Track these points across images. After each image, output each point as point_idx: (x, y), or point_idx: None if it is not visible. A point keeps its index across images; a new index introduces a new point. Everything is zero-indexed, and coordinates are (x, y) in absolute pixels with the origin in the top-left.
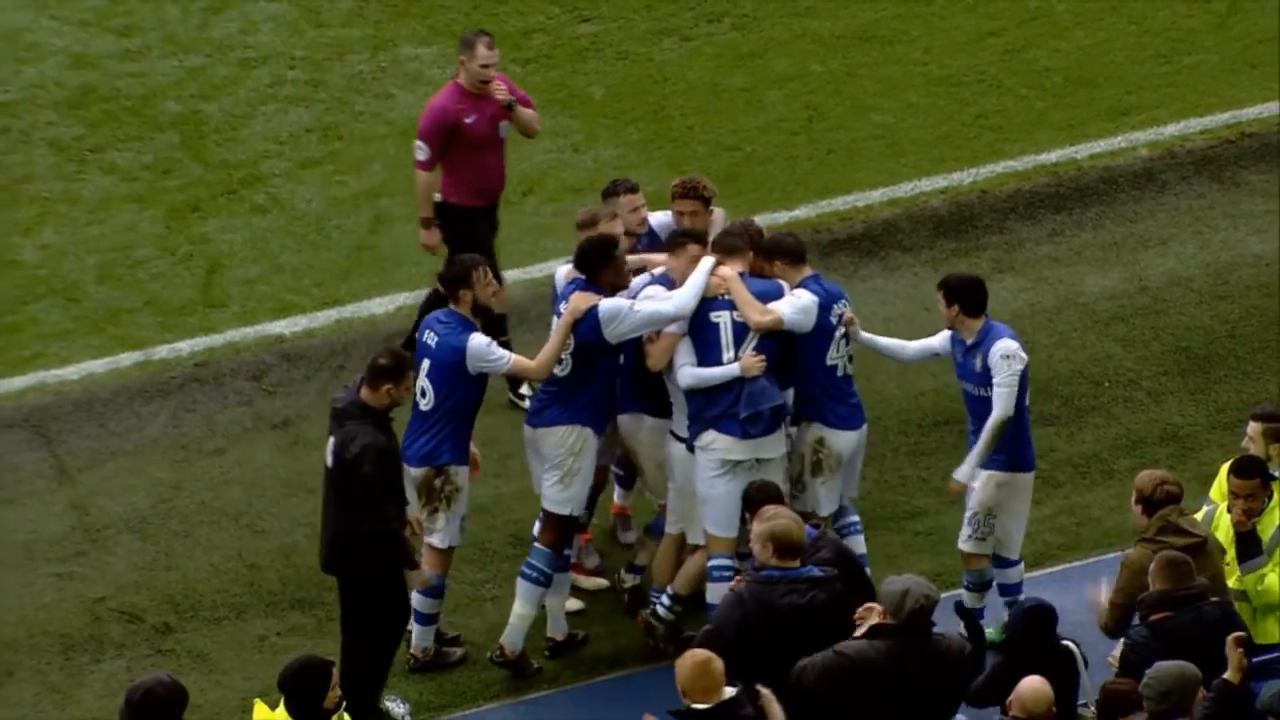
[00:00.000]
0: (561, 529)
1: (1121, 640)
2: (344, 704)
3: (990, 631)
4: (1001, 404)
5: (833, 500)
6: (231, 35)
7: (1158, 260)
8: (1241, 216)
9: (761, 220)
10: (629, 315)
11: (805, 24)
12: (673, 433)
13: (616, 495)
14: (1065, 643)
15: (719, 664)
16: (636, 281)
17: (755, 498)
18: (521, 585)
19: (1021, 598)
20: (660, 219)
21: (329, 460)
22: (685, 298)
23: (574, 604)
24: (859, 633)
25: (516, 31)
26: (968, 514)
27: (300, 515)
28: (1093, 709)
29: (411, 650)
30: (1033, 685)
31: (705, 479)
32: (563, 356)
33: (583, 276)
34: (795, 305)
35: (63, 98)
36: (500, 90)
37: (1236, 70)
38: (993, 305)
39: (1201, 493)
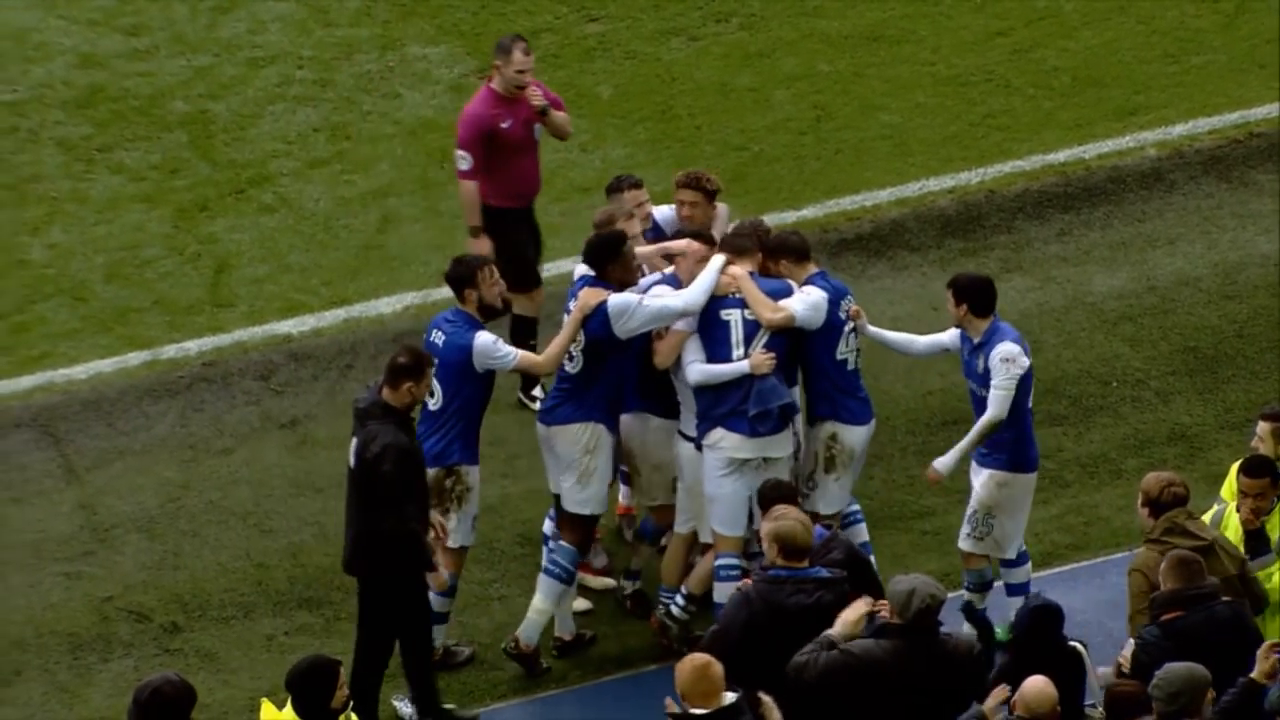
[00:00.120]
0: (584, 528)
1: (1131, 640)
2: (351, 703)
3: (999, 630)
4: (995, 406)
5: (845, 497)
6: (239, 35)
7: (1166, 260)
8: (1249, 216)
9: (769, 220)
10: (638, 310)
11: (813, 24)
12: (681, 432)
13: (622, 495)
14: (1072, 643)
15: (718, 668)
16: (644, 281)
17: (769, 496)
18: (544, 581)
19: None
20: (664, 213)
21: (351, 460)
22: (694, 294)
23: (582, 604)
24: (863, 628)
25: (524, 31)
26: (967, 513)
27: (308, 515)
28: (1101, 710)
29: None
30: (1037, 685)
31: (713, 478)
32: (574, 353)
33: (592, 272)
34: (806, 302)
35: (71, 97)
36: (536, 96)
37: (1244, 70)
38: (1001, 305)
39: (1210, 492)
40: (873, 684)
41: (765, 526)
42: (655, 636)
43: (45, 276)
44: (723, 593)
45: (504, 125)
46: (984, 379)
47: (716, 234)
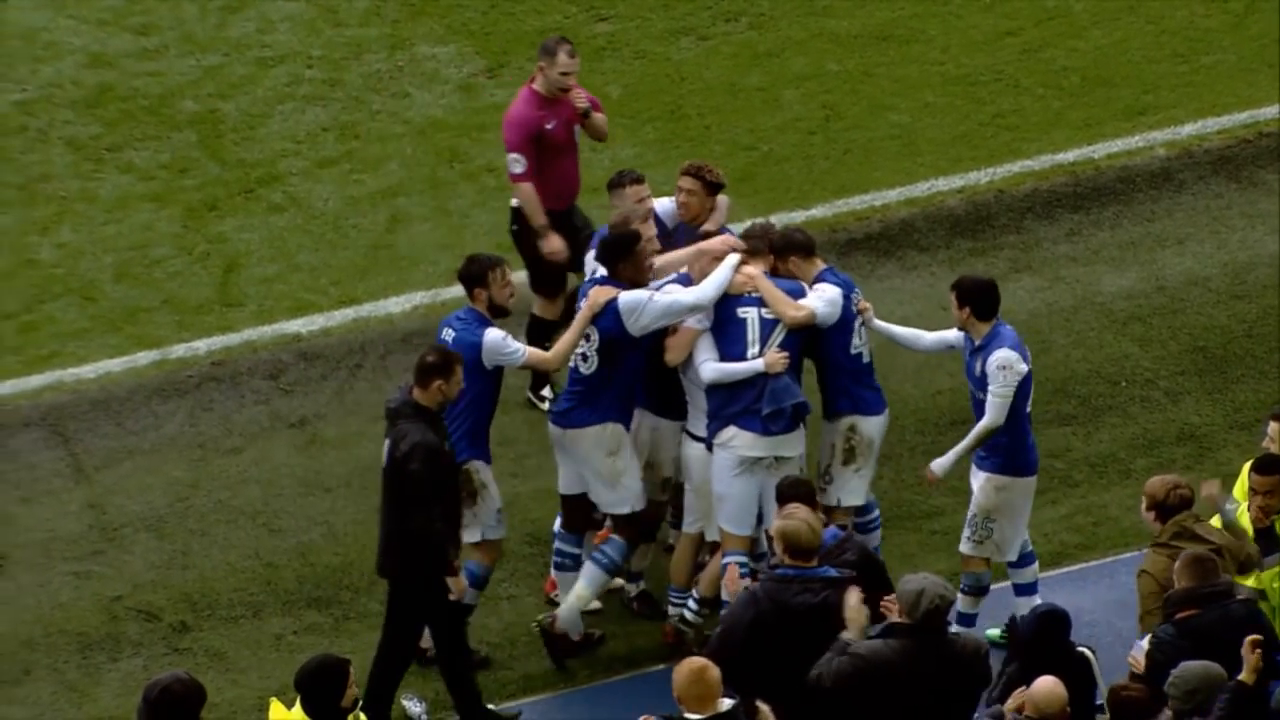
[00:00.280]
0: (630, 524)
1: (1146, 639)
2: (360, 703)
3: (991, 633)
4: (992, 413)
5: (865, 489)
6: (249, 34)
7: (1175, 260)
8: (1259, 216)
9: (778, 219)
10: (649, 306)
11: (822, 23)
12: (689, 432)
13: None
14: (1081, 649)
15: (716, 673)
16: (656, 282)
17: (786, 494)
18: (589, 568)
19: (1037, 597)
20: (664, 205)
21: (384, 460)
22: (705, 290)
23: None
24: (872, 630)
25: (533, 30)
26: (967, 516)
27: (317, 514)
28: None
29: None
30: (1046, 686)
31: (724, 476)
32: (588, 354)
33: (604, 271)
34: (824, 299)
35: (80, 97)
36: (580, 97)
37: (1254, 70)
38: (1010, 305)
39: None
40: (882, 684)
41: (774, 525)
42: (671, 644)
43: (54, 276)
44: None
45: (548, 126)
46: (981, 382)
47: (714, 226)
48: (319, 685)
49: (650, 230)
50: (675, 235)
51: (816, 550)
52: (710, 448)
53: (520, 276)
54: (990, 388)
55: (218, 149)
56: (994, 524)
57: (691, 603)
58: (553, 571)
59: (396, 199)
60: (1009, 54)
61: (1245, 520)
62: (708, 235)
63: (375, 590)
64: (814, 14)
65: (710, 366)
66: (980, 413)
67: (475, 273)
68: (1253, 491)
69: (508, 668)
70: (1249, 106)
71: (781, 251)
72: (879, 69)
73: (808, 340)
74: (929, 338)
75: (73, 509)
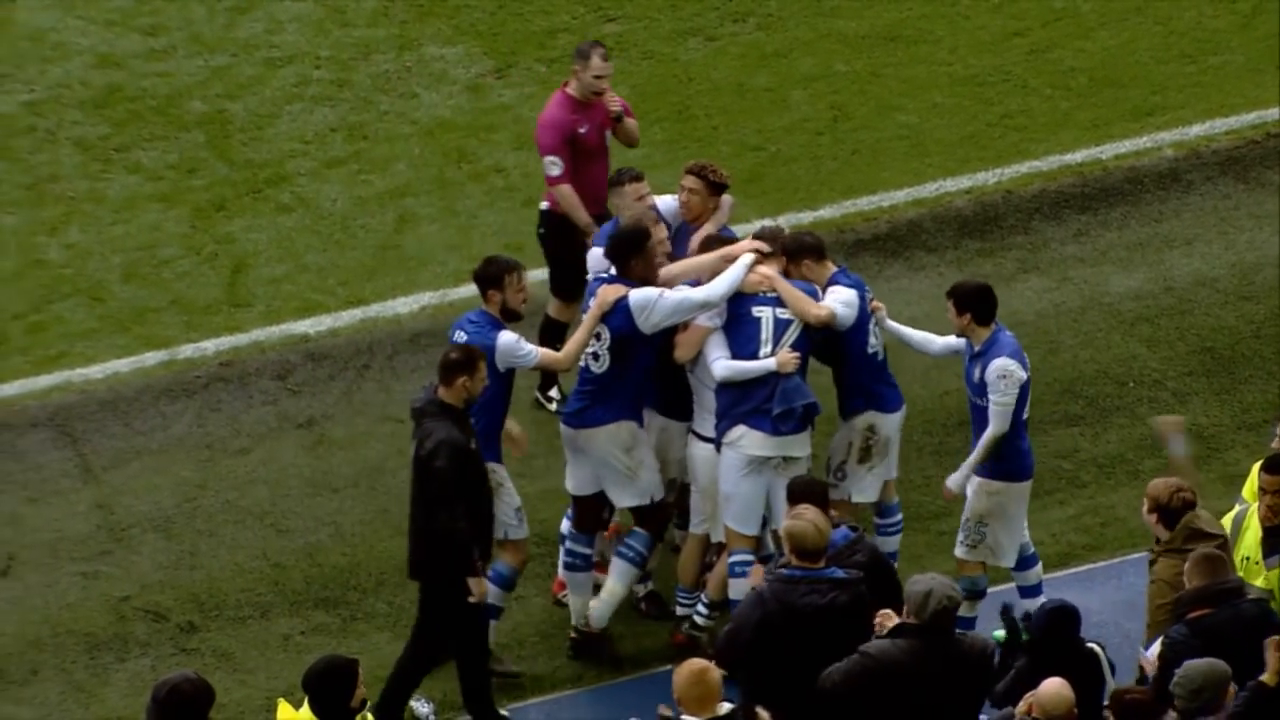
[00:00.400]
0: (652, 516)
1: (1159, 640)
2: (368, 703)
3: (999, 634)
4: (996, 421)
5: (876, 488)
6: (257, 35)
7: (1183, 260)
8: (1267, 217)
9: (786, 220)
10: (659, 303)
11: (830, 24)
12: (697, 432)
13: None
14: (1090, 645)
15: (716, 675)
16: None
17: (797, 493)
18: (617, 563)
19: (1042, 599)
20: (666, 203)
21: (412, 459)
22: (716, 288)
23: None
24: (881, 634)
25: (541, 31)
26: (961, 521)
27: (324, 515)
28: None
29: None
30: (1053, 687)
31: (730, 476)
32: (600, 353)
33: (613, 269)
34: (842, 299)
35: (88, 97)
36: (614, 102)
37: (1262, 70)
38: (1018, 305)
39: (1227, 493)
40: (890, 684)
41: (783, 525)
42: (680, 647)
43: (62, 276)
44: (738, 589)
45: (581, 130)
46: (979, 389)
47: (716, 226)
48: (327, 686)
49: (661, 232)
50: (677, 235)
51: (823, 551)
52: (718, 447)
53: (536, 275)
54: (991, 397)
55: (226, 149)
56: (986, 528)
57: (700, 607)
58: (561, 572)
59: (404, 199)
60: (1017, 55)
61: (1254, 523)
62: (707, 235)
63: (382, 591)
64: (822, 15)
65: (722, 364)
66: (978, 418)
67: (493, 274)
68: (1262, 491)
69: (514, 668)
70: (1257, 107)
71: (794, 254)
72: (887, 70)
73: (819, 342)
74: (939, 342)
75: (80, 509)
